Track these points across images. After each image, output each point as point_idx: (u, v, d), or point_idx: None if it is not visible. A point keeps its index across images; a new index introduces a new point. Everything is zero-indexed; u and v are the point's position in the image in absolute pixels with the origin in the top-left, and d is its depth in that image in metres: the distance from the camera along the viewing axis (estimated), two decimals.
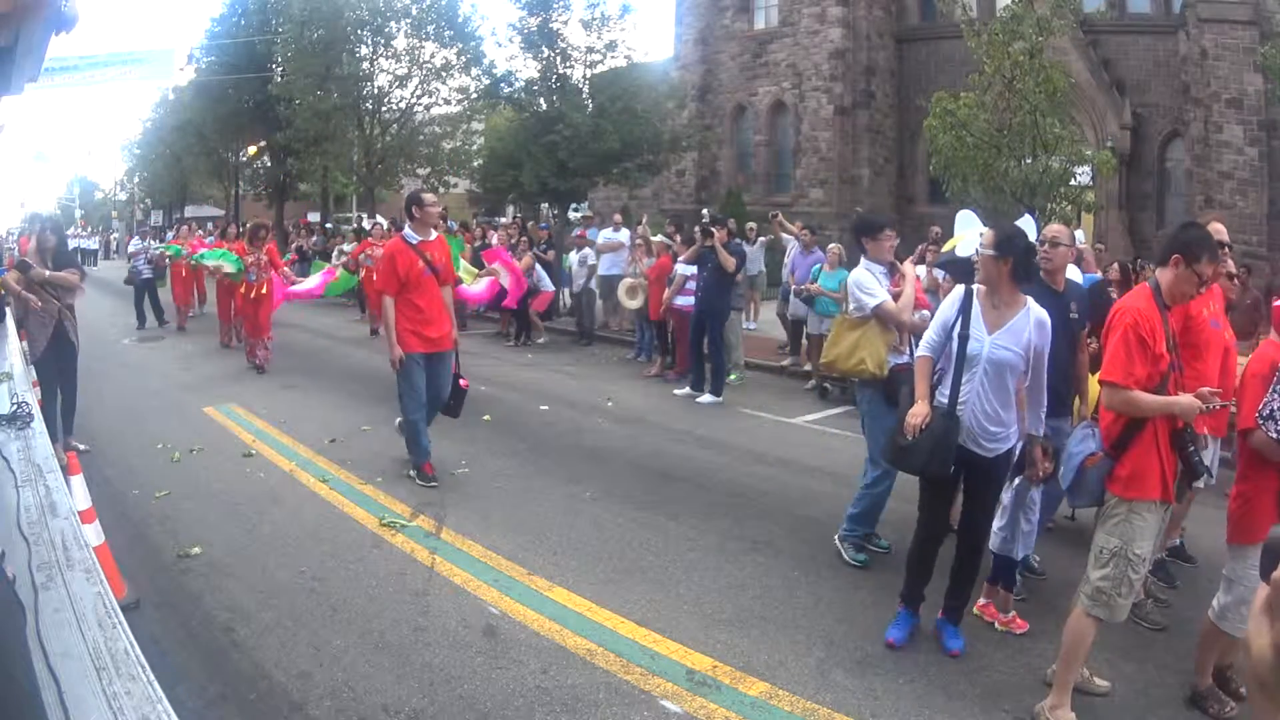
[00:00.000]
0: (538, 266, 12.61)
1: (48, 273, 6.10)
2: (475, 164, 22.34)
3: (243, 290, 10.60)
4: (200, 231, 18.10)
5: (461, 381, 6.19)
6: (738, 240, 9.97)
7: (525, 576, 4.35)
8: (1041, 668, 3.59)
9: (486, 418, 7.69)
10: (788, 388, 9.92)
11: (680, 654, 3.61)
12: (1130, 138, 20.77)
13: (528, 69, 16.90)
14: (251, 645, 3.59)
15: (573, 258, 13.19)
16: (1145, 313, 3.13)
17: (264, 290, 10.41)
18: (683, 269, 9.64)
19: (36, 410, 3.86)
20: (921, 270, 8.70)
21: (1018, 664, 3.64)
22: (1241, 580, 3.15)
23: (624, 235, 12.86)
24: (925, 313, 4.89)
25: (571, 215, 17.02)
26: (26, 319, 6.12)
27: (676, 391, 9.16)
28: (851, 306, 4.73)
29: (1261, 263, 15.95)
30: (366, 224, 16.17)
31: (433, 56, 21.87)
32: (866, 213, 5.37)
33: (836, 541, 4.78)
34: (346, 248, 15.42)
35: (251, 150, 29.51)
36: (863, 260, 4.81)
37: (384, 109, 22.50)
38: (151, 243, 15.47)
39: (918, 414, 3.57)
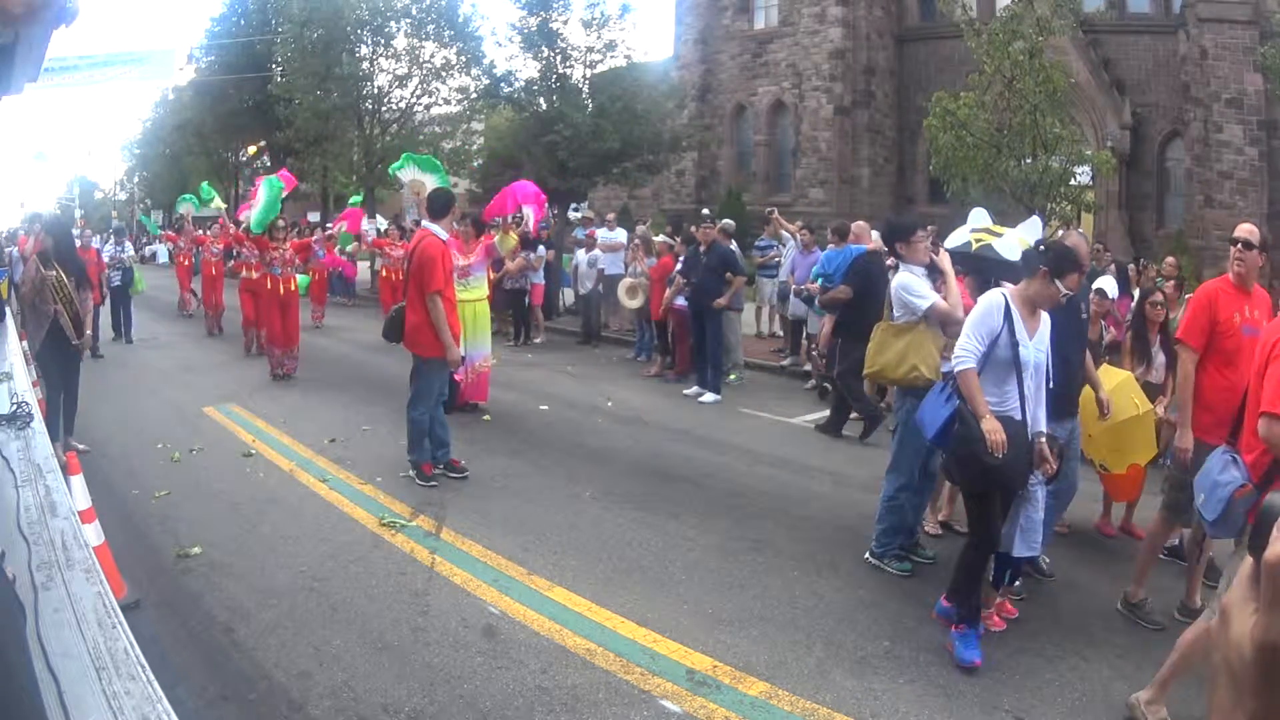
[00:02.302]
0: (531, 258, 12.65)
1: (87, 332, 6.21)
2: (475, 164, 22.35)
3: (268, 286, 9.70)
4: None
5: (456, 375, 6.32)
6: (777, 244, 9.84)
7: (525, 576, 4.34)
8: (1041, 667, 3.59)
9: (486, 418, 7.70)
10: (787, 388, 9.92)
11: (680, 654, 3.61)
12: (1130, 138, 20.79)
13: (528, 69, 16.93)
14: (251, 645, 3.59)
15: (581, 258, 13.17)
16: None
17: (291, 288, 9.76)
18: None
19: (36, 410, 3.86)
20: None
21: (1018, 664, 3.63)
22: None
23: (620, 235, 12.86)
24: None
25: (571, 215, 17.03)
26: (26, 317, 6.13)
27: (686, 392, 9.13)
28: (898, 312, 4.53)
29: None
30: (382, 224, 16.21)
31: (433, 56, 21.87)
32: (894, 217, 5.19)
33: (871, 560, 4.57)
34: (347, 248, 15.41)
35: (251, 150, 29.53)
36: (901, 266, 4.61)
37: (384, 109, 22.50)
38: (126, 245, 14.04)
39: (999, 429, 3.45)
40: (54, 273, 6.03)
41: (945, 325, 4.42)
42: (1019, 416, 3.60)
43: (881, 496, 4.64)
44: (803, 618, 4.00)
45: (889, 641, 3.79)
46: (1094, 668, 3.62)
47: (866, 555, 4.65)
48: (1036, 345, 3.65)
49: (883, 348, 4.59)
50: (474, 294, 7.63)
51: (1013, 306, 3.64)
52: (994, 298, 3.71)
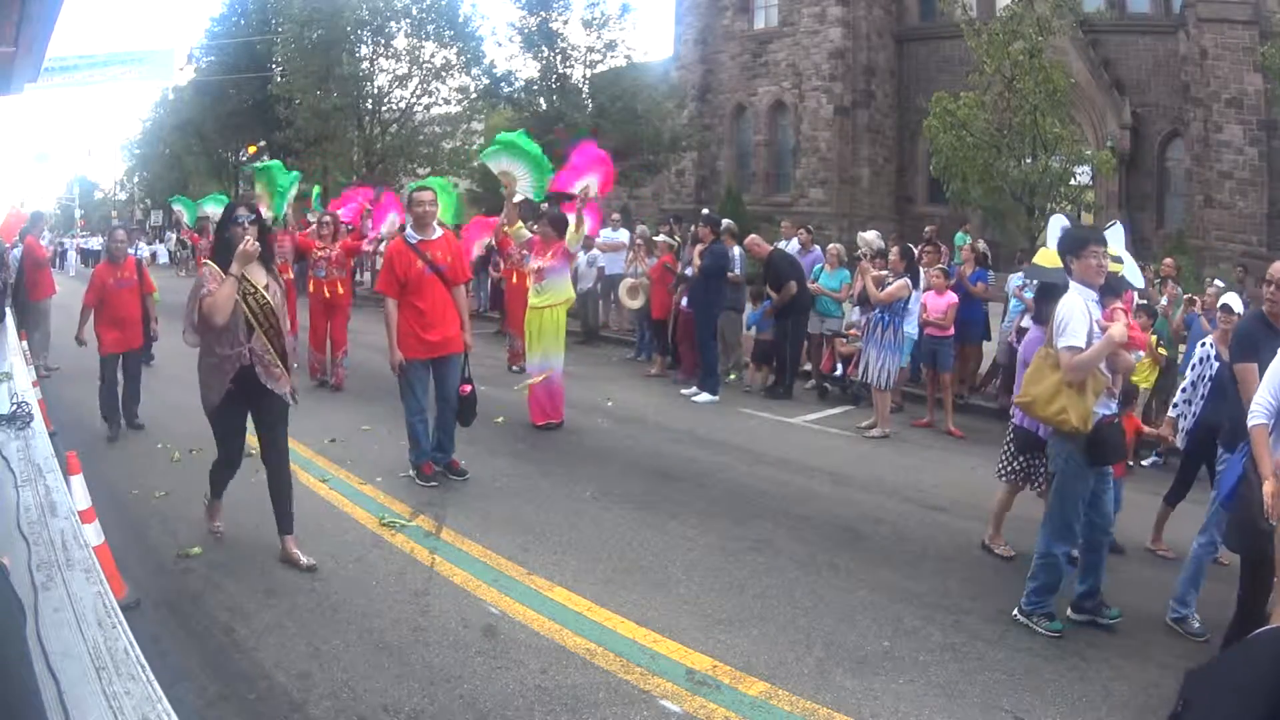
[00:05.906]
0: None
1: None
2: (475, 164, 22.39)
3: (311, 289, 9.08)
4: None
5: (463, 388, 6.00)
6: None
7: (525, 576, 4.34)
8: (1041, 667, 3.59)
9: (500, 420, 7.62)
10: None
11: (680, 654, 3.61)
12: (1130, 138, 20.81)
13: (528, 69, 16.98)
14: (251, 645, 3.58)
15: (580, 257, 13.15)
16: None
17: (339, 291, 9.19)
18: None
19: (37, 410, 3.86)
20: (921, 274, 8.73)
21: (1017, 664, 3.63)
22: None
23: (623, 235, 12.86)
24: (1142, 355, 4.41)
25: None
26: (206, 368, 4.21)
27: (683, 391, 9.11)
28: (1057, 340, 3.93)
29: (1261, 263, 15.98)
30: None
31: (433, 56, 21.88)
32: (1074, 226, 4.67)
33: (1019, 617, 3.99)
34: None
35: (251, 150, 29.56)
36: (1073, 285, 3.94)
37: (384, 109, 22.52)
38: (140, 247, 13.29)
39: (1278, 493, 3.12)
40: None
41: (1113, 361, 3.91)
42: None
43: (1038, 551, 4.04)
44: (803, 618, 4.00)
45: (889, 641, 3.79)
46: (1094, 668, 3.62)
47: (1015, 612, 4.04)
48: None
49: (1039, 375, 3.96)
50: (549, 299, 7.26)
51: None
52: None
